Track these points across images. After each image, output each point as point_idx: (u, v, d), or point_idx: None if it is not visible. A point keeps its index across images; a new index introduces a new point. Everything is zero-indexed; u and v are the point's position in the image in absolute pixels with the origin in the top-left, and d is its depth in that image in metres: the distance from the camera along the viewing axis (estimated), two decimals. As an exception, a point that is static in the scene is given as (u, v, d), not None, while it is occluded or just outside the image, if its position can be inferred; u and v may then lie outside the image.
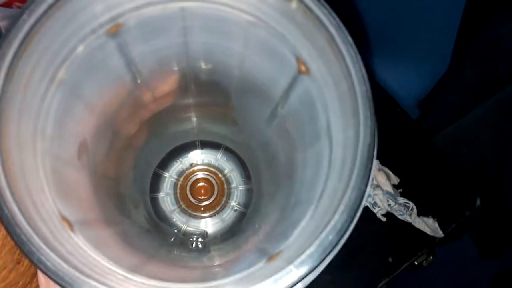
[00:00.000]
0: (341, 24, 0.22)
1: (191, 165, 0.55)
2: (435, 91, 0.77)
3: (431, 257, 0.52)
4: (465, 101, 0.68)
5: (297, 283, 0.21)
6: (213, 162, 0.56)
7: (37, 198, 0.23)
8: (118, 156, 0.40)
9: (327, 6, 0.22)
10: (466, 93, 0.67)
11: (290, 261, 0.21)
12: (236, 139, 0.50)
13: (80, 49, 0.26)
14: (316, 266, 0.21)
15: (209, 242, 0.52)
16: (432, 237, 0.51)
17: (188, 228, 0.54)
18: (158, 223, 0.52)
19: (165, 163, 0.55)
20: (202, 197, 0.55)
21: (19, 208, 0.20)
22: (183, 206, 0.55)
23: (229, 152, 0.55)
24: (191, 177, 0.55)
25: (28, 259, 0.19)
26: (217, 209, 0.55)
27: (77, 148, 0.30)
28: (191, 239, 0.53)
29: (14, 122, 0.22)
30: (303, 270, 0.21)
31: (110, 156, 0.38)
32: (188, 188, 0.55)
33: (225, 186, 0.55)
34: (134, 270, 0.25)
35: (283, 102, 0.34)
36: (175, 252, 0.45)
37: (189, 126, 0.50)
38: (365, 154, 0.21)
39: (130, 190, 0.46)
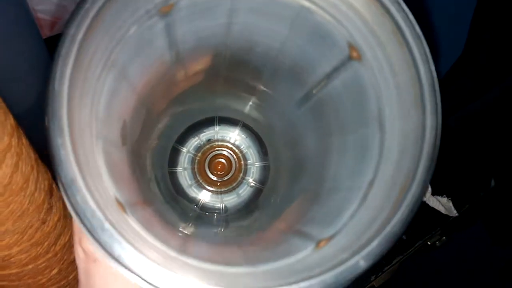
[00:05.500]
0: (409, 14, 0.22)
1: (209, 140, 0.55)
2: (448, 76, 0.77)
3: (444, 238, 0.53)
4: (478, 84, 0.68)
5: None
6: (230, 138, 0.56)
7: (98, 183, 0.23)
8: (147, 134, 0.40)
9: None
10: (480, 76, 0.67)
11: (351, 252, 0.21)
12: (258, 118, 0.50)
13: (133, 30, 0.25)
14: (380, 258, 0.21)
15: (227, 217, 0.53)
16: (446, 216, 0.52)
17: (205, 203, 0.55)
18: (177, 198, 0.52)
19: (183, 138, 0.54)
20: (220, 173, 0.55)
21: (91, 195, 0.20)
22: (200, 181, 0.55)
23: (247, 128, 0.55)
24: (209, 153, 0.55)
25: (99, 248, 0.19)
26: (234, 184, 0.55)
27: (120, 128, 0.30)
28: (207, 214, 0.54)
29: (77, 108, 0.21)
30: (369, 262, 0.21)
31: (141, 135, 0.37)
32: (205, 163, 0.55)
33: (242, 162, 0.56)
34: (182, 250, 0.25)
35: (322, 85, 0.33)
36: (199, 229, 0.45)
37: (212, 103, 0.50)
38: (431, 148, 0.21)
39: (154, 166, 0.46)
